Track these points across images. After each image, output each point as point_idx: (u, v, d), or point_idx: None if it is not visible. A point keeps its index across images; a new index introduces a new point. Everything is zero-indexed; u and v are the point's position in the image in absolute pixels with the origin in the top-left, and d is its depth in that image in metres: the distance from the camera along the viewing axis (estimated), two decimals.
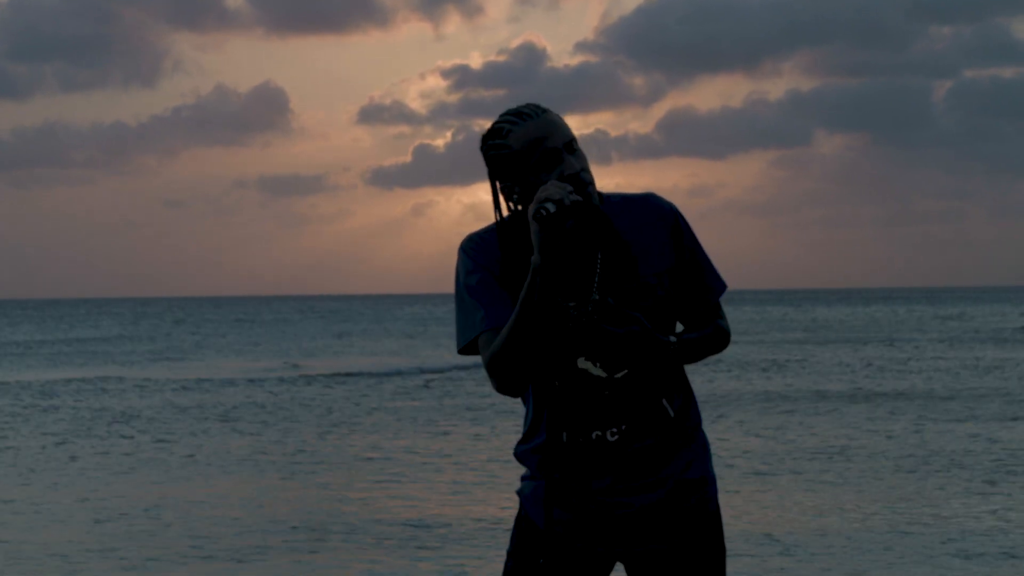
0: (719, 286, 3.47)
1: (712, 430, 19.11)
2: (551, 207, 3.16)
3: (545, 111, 3.36)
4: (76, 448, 18.80)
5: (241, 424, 22.12)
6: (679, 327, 3.47)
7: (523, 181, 3.34)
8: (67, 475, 15.99)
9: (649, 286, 3.36)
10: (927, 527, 11.88)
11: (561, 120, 3.36)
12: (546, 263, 3.20)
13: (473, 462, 16.72)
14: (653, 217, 3.40)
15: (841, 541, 11.24)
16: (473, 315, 3.35)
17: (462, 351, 3.38)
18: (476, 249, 3.40)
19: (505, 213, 3.41)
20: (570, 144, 3.34)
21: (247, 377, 34.11)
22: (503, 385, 3.30)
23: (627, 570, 3.47)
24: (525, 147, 3.32)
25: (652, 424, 3.37)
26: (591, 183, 3.34)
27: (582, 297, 3.32)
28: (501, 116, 3.38)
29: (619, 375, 3.34)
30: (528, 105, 3.38)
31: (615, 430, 3.35)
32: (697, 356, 3.40)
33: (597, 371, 3.34)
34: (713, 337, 3.42)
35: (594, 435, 3.35)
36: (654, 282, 3.36)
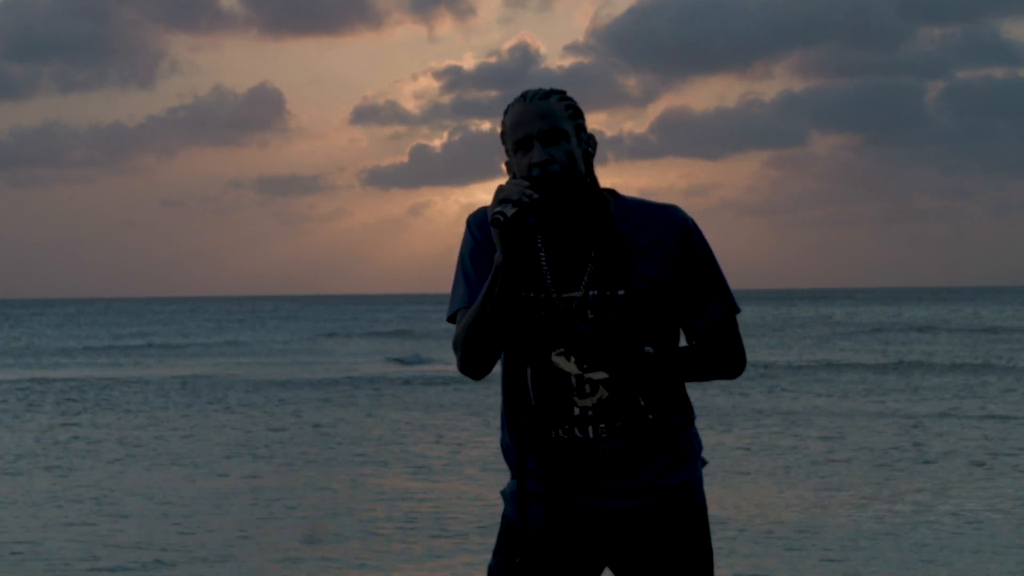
0: (727, 309, 3.38)
1: (710, 425, 19.22)
2: (508, 210, 3.19)
3: (547, 96, 3.36)
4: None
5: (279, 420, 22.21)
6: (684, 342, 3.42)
7: (511, 160, 3.39)
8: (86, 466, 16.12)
9: (640, 291, 3.32)
10: (928, 522, 12.02)
11: (559, 109, 3.35)
12: (508, 263, 3.24)
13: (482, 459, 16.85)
14: (662, 225, 3.36)
15: (841, 536, 11.37)
16: (459, 290, 3.40)
17: (448, 320, 3.42)
18: (479, 225, 3.42)
19: None
20: (547, 133, 3.31)
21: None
22: (463, 366, 3.34)
23: (615, 573, 3.45)
24: (510, 128, 3.36)
25: (627, 426, 3.33)
26: (564, 171, 3.31)
27: (570, 290, 3.33)
28: (522, 92, 3.41)
29: (595, 376, 3.32)
30: (540, 89, 3.38)
31: (579, 429, 3.33)
32: (689, 374, 3.34)
33: (569, 366, 3.33)
34: (711, 359, 3.36)
35: (562, 431, 3.35)
36: (646, 287, 3.32)
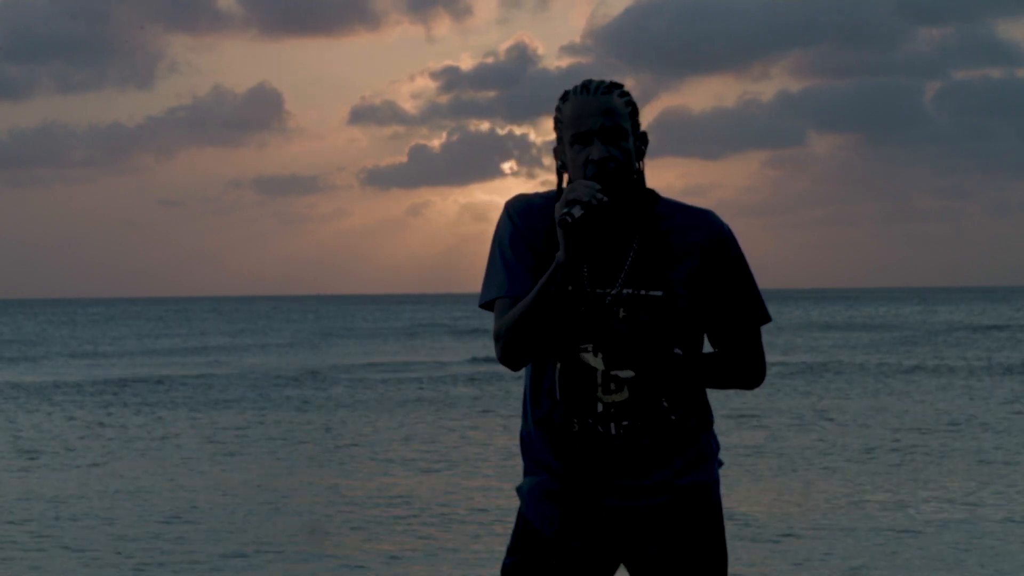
0: (756, 318, 3.38)
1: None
2: (577, 212, 3.15)
3: (610, 91, 3.31)
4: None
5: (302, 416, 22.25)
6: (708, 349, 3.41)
7: (564, 151, 3.34)
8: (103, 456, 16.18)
9: (676, 294, 3.31)
10: (926, 519, 12.07)
11: (621, 106, 3.30)
12: (570, 263, 3.20)
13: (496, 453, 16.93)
14: (700, 229, 3.35)
15: (844, 533, 11.41)
16: (497, 276, 3.35)
17: (482, 307, 3.37)
18: (521, 213, 3.37)
19: (565, 184, 3.36)
20: (610, 130, 3.27)
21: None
22: (505, 357, 3.30)
23: (629, 572, 3.43)
24: (570, 119, 3.30)
25: (649, 425, 3.33)
26: (620, 171, 3.27)
27: (605, 286, 3.31)
28: (583, 81, 3.35)
29: (622, 374, 3.31)
30: (603, 82, 3.34)
31: (601, 424, 3.32)
32: (712, 380, 3.34)
33: (596, 362, 3.32)
34: (733, 368, 3.36)
35: (584, 424, 3.32)
36: (682, 291, 3.31)
